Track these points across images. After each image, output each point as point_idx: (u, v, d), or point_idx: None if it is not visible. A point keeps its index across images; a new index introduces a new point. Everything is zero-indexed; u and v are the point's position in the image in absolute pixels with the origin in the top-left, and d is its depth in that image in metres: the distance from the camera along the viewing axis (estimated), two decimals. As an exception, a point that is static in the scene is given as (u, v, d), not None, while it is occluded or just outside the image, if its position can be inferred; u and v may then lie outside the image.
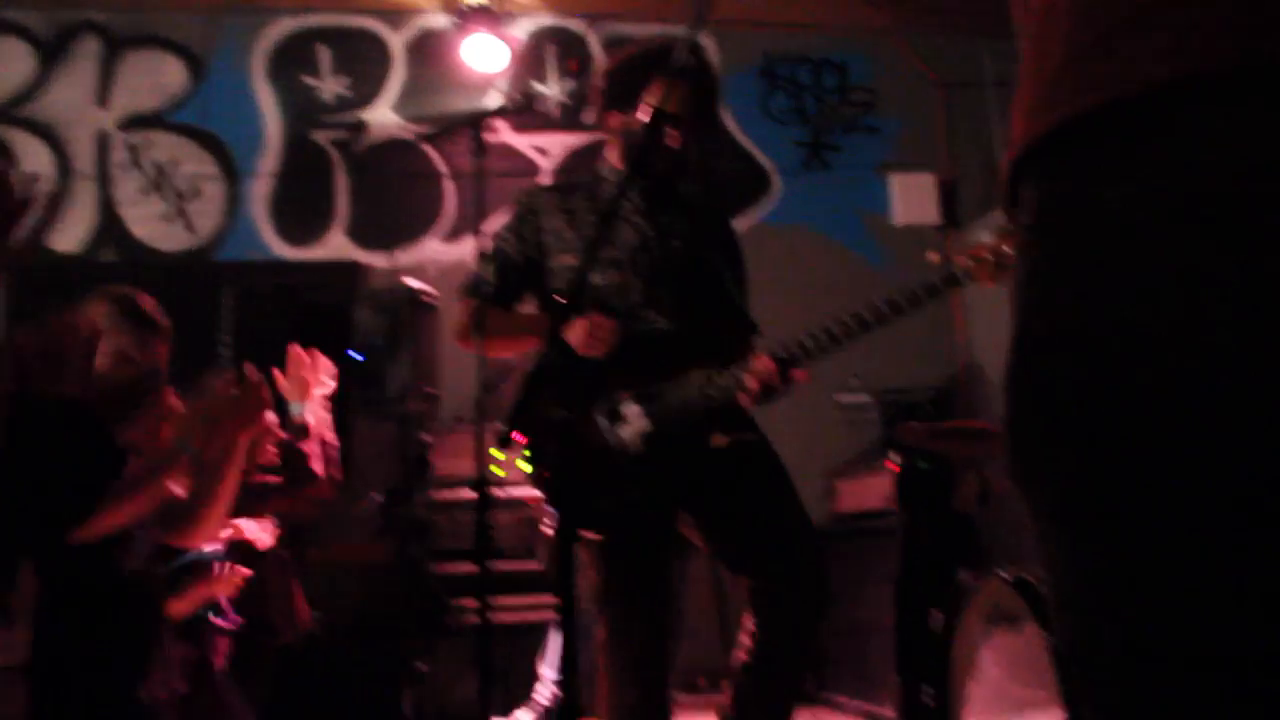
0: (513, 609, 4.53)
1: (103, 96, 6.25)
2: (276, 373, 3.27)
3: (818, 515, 5.13)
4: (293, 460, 3.10)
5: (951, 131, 6.94)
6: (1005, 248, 2.55)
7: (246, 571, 3.02)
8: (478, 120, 3.17)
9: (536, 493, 3.84)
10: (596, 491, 2.76)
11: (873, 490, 4.77)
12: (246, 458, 2.91)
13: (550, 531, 4.13)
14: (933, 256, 2.66)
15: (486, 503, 3.09)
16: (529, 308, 3.13)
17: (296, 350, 3.33)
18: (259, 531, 3.16)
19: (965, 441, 3.82)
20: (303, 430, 3.23)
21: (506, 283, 2.99)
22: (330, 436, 3.32)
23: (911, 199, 6.74)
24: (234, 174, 6.25)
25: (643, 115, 2.79)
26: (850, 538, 4.80)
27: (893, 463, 4.32)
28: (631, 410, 2.80)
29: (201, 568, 2.98)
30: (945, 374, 6.52)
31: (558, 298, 2.89)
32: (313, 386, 3.32)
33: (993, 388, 6.22)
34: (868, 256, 6.65)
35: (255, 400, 2.81)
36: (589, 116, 6.40)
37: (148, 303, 2.90)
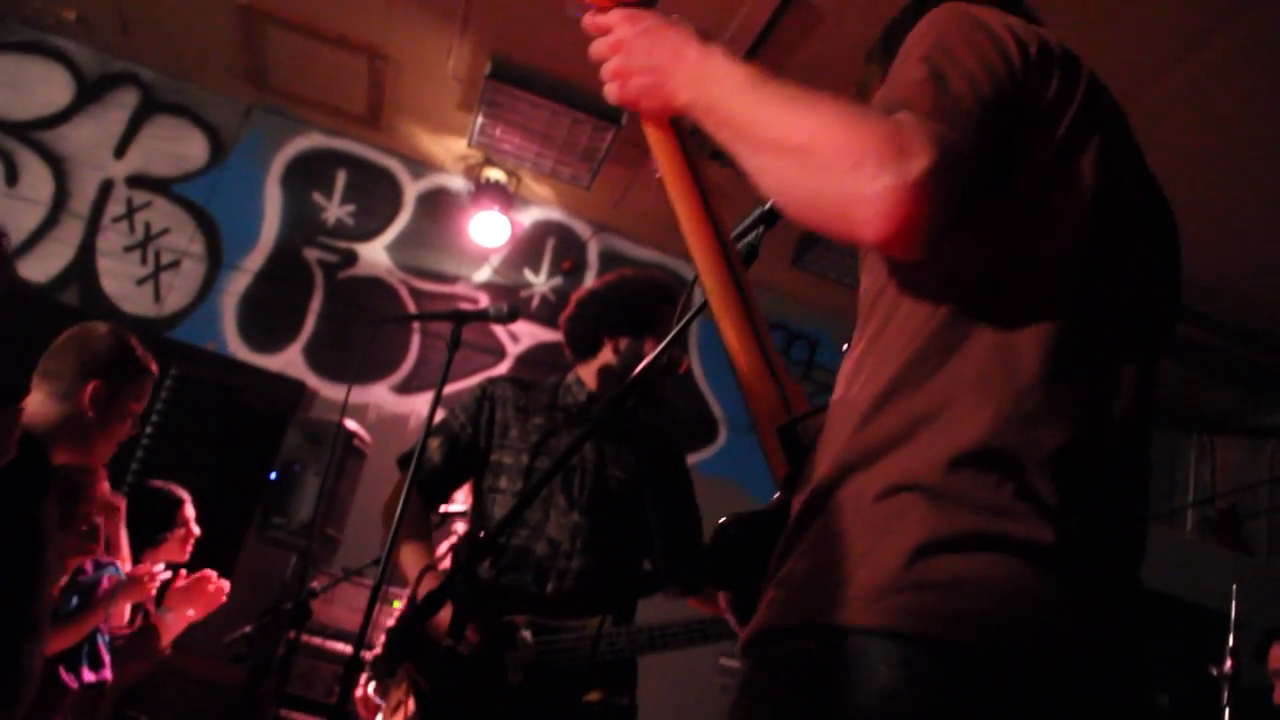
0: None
1: (122, 148, 6.40)
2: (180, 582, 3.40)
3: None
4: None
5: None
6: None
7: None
8: (463, 318, 3.24)
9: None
10: (467, 710, 2.76)
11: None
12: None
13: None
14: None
15: (357, 668, 3.11)
16: (462, 492, 3.19)
17: (210, 574, 3.45)
18: None
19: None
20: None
21: (449, 462, 3.01)
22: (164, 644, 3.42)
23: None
24: (218, 261, 6.37)
25: (651, 348, 2.91)
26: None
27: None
28: (524, 638, 2.78)
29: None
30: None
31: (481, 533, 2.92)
32: (193, 611, 3.42)
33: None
34: (788, 532, 6.75)
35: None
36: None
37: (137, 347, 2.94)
